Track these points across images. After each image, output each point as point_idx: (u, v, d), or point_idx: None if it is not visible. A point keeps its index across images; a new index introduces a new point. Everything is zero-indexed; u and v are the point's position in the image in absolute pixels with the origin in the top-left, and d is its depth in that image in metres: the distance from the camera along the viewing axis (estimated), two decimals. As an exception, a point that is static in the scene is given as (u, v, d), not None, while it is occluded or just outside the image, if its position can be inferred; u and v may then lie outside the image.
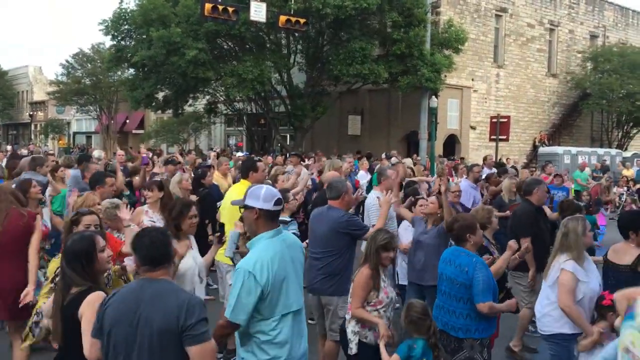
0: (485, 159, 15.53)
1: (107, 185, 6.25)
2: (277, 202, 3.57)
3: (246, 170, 6.35)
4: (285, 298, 3.52)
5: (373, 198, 6.87)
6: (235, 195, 6.00)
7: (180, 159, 12.05)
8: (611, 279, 4.92)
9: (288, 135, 29.38)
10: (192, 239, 4.88)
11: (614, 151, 27.69)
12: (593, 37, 33.74)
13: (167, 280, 2.96)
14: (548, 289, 4.78)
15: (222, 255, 6.02)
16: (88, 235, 3.49)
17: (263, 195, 3.53)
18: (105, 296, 3.12)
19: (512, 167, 15.25)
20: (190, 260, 4.52)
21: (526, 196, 6.93)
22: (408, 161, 14.98)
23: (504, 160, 20.18)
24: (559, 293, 4.57)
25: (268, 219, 3.54)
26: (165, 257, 2.98)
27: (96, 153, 11.75)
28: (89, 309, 3.15)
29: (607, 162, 24.26)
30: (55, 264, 4.11)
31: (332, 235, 5.38)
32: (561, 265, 4.60)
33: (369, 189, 9.57)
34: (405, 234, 6.72)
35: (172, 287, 2.94)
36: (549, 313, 4.72)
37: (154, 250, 2.95)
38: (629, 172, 21.58)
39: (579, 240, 4.64)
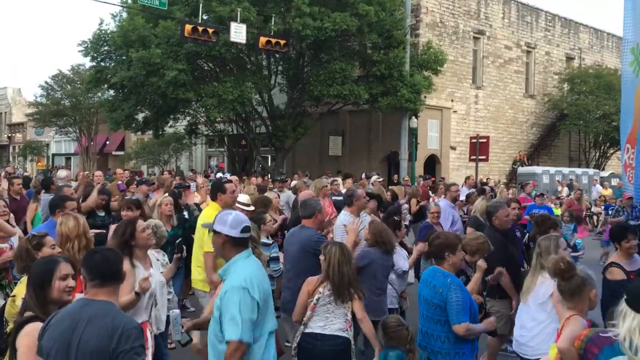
0: (467, 179, 15.74)
1: (67, 210, 5.88)
2: (244, 230, 3.54)
3: (214, 192, 6.17)
4: (270, 315, 3.54)
5: (341, 219, 6.76)
6: (205, 218, 5.95)
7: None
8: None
9: (269, 156, 29.36)
10: (152, 257, 4.80)
11: (591, 171, 28.06)
12: (569, 59, 34.39)
13: (108, 302, 2.86)
14: (534, 310, 4.67)
15: (197, 281, 5.92)
16: (53, 259, 3.33)
17: (230, 222, 3.51)
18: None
19: (487, 186, 15.32)
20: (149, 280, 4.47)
21: (490, 221, 6.60)
22: (373, 178, 15.03)
23: (485, 180, 20.36)
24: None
25: (235, 244, 3.52)
26: (115, 275, 2.92)
27: (62, 173, 11.53)
28: (23, 340, 3.04)
29: (585, 182, 24.77)
30: (22, 286, 3.96)
31: (302, 254, 5.32)
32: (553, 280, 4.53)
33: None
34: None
35: (112, 308, 2.84)
36: (541, 332, 4.58)
37: (105, 266, 2.89)
38: (607, 192, 21.86)
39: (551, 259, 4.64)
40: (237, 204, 6.84)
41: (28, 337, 3.04)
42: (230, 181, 6.99)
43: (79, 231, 4.64)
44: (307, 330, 4.45)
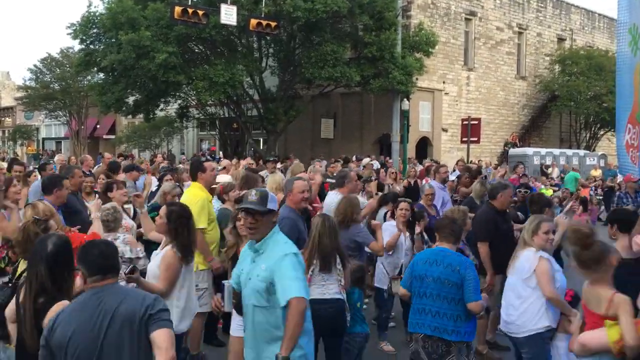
0: (457, 163, 15.87)
1: (64, 188, 5.94)
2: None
3: (194, 171, 6.23)
4: None
5: (331, 199, 6.81)
6: (192, 197, 5.90)
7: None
8: None
9: (261, 139, 29.29)
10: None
11: (582, 152, 28.21)
12: (560, 40, 34.37)
13: (119, 284, 2.98)
14: (518, 286, 4.68)
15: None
16: (64, 236, 3.41)
17: (275, 200, 3.84)
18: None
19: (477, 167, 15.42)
20: None
21: (491, 200, 6.86)
22: (364, 160, 15.11)
23: (477, 162, 20.45)
24: (542, 283, 4.50)
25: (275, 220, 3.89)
26: (113, 267, 2.98)
27: (57, 157, 11.60)
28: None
29: (575, 163, 24.88)
30: (24, 265, 3.91)
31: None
32: (537, 254, 4.57)
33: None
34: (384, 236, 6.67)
35: (127, 287, 3.00)
36: (527, 310, 4.60)
37: (103, 260, 2.95)
38: (597, 173, 21.99)
39: (528, 238, 4.71)
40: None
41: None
42: (208, 160, 7.03)
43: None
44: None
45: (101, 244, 3.11)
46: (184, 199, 6.07)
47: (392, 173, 11.63)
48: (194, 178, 6.20)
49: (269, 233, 3.69)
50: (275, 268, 3.53)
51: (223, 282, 3.87)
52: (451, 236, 4.61)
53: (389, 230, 6.62)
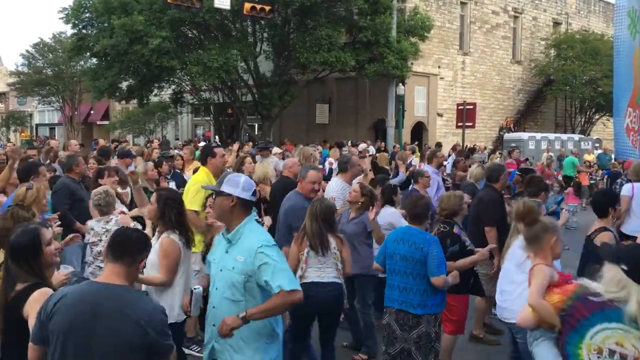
0: (454, 147, 15.91)
1: (41, 175, 5.88)
2: (254, 193, 3.59)
3: (204, 156, 6.15)
4: None
5: (333, 186, 6.80)
6: (193, 181, 5.90)
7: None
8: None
9: (256, 125, 29.18)
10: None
11: (577, 136, 28.21)
12: (556, 24, 34.24)
13: (125, 287, 2.79)
14: (512, 272, 4.68)
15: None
16: (32, 228, 3.28)
17: (242, 184, 3.46)
18: (52, 293, 2.96)
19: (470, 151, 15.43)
20: None
21: (492, 182, 6.86)
22: (361, 146, 15.07)
23: (472, 147, 20.45)
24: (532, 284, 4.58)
25: (244, 208, 3.48)
26: (127, 251, 2.83)
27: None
28: (34, 307, 2.97)
29: (570, 147, 24.87)
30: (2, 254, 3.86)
31: (283, 219, 5.36)
32: None
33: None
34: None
35: (131, 294, 2.77)
36: (521, 295, 4.46)
37: (119, 242, 2.87)
38: (591, 157, 22.01)
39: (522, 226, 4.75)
40: None
41: (38, 303, 2.96)
42: (220, 145, 7.00)
43: (35, 198, 4.76)
44: (305, 281, 4.72)
45: (130, 230, 3.07)
46: (190, 183, 6.08)
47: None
48: (203, 162, 6.13)
49: (242, 222, 3.43)
50: (258, 261, 3.29)
51: (192, 287, 3.65)
52: (415, 218, 4.84)
53: (394, 215, 6.59)
